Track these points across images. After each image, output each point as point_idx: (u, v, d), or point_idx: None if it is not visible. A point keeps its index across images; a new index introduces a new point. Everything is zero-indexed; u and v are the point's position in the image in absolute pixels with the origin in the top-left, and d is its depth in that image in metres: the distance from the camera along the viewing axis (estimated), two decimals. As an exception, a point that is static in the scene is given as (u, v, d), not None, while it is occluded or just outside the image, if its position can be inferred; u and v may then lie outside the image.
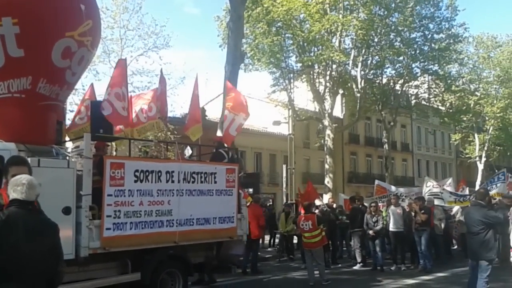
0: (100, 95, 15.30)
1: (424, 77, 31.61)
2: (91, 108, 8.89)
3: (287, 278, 11.55)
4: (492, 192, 13.10)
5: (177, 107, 46.10)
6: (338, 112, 34.35)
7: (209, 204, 8.50)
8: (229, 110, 9.89)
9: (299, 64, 26.73)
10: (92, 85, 10.59)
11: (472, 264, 7.73)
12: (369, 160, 42.89)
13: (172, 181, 8.05)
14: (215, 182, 8.62)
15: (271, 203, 29.06)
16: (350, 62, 26.19)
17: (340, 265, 13.26)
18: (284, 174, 24.87)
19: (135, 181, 7.57)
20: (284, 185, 24.65)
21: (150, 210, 7.71)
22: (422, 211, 12.41)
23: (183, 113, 22.73)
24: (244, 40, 22.67)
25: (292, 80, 27.43)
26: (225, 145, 10.35)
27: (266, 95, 30.59)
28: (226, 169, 8.91)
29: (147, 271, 7.66)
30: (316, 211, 12.48)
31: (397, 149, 43.73)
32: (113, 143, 9.35)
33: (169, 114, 19.99)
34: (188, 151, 10.46)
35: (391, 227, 12.79)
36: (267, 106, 34.36)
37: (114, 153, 9.59)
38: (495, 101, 37.07)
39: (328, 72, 26.34)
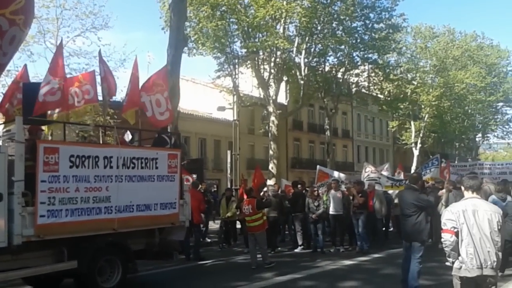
0: (34, 76, 14.60)
1: (364, 66, 32.52)
2: (23, 91, 8.46)
3: (230, 263, 11.62)
4: (426, 177, 13.82)
5: (117, 90, 44.43)
6: (282, 98, 34.70)
7: (150, 190, 8.35)
8: (145, 93, 9.45)
9: (244, 50, 26.67)
10: (25, 66, 10.02)
11: (406, 245, 8.11)
12: (312, 146, 43.80)
13: (111, 167, 7.82)
14: (157, 168, 8.47)
15: (215, 189, 29.11)
16: (294, 49, 26.45)
17: (279, 248, 13.47)
18: (229, 160, 24.94)
19: (71, 167, 7.30)
20: (229, 171, 24.70)
21: (87, 197, 7.48)
22: (360, 195, 12.88)
23: (123, 96, 22.04)
24: (187, 23, 22.31)
25: (237, 66, 27.32)
26: (168, 130, 10.18)
27: (211, 80, 30.38)
28: (168, 154, 8.76)
29: (84, 259, 7.47)
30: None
31: (338, 135, 44.94)
32: (47, 128, 8.90)
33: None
34: (128, 136, 10.16)
35: (331, 211, 13.18)
36: (212, 91, 34.16)
37: (50, 138, 9.13)
38: (430, 90, 38.84)
39: (273, 59, 26.47)
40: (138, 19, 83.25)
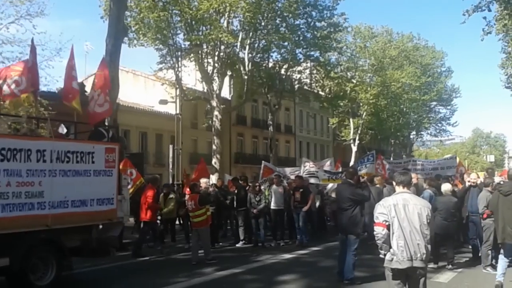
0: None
1: (307, 63, 33.11)
2: None
3: (170, 259, 11.47)
4: (362, 172, 14.30)
5: (52, 81, 42.58)
6: (226, 93, 34.64)
7: (86, 185, 8.07)
8: (94, 88, 9.27)
9: (187, 43, 26.30)
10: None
11: (342, 238, 8.39)
12: (255, 141, 44.11)
13: (44, 161, 7.48)
14: (93, 162, 8.19)
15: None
16: (238, 44, 26.42)
17: (221, 243, 13.48)
18: (171, 155, 24.56)
19: (1, 160, 6.93)
20: (171, 166, 24.34)
21: (18, 192, 7.12)
22: (301, 190, 13.14)
23: (58, 87, 21.15)
24: (128, 13, 21.68)
25: (179, 59, 26.87)
26: (106, 123, 9.88)
27: (153, 72, 29.75)
28: (105, 148, 8.49)
29: (16, 257, 7.13)
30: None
31: (281, 131, 45.55)
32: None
33: (43, 88, 18.54)
34: (62, 129, 9.73)
35: (273, 205, 13.38)
36: (154, 84, 33.52)
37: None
38: (368, 89, 40.15)
39: (217, 53, 26.32)
40: (76, 6, 79.98)
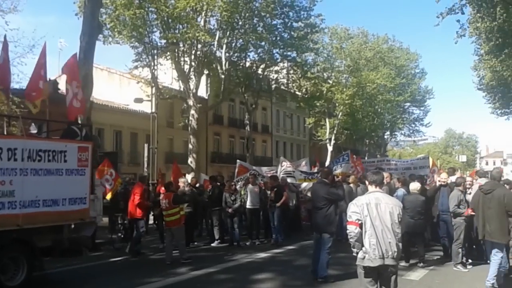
0: None
1: (284, 63, 33.23)
2: None
3: (144, 259, 11.37)
4: (337, 172, 14.47)
5: (25, 78, 41.58)
6: (203, 92, 34.50)
7: (58, 185, 7.94)
8: (67, 82, 9.16)
9: (164, 41, 26.05)
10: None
11: (316, 237, 8.47)
12: (232, 140, 44.06)
13: (15, 159, 7.34)
14: (65, 161, 8.06)
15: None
16: (215, 43, 26.33)
17: (196, 243, 13.44)
18: (146, 154, 24.29)
19: (-29, 159, 6.76)
20: (146, 165, 24.08)
21: (-12, 191, 6.96)
22: (275, 189, 13.22)
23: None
24: (103, 10, 21.34)
25: (156, 57, 26.61)
26: (79, 121, 9.73)
27: (128, 70, 29.36)
28: (78, 147, 8.37)
29: (-14, 257, 6.96)
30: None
31: (258, 130, 45.62)
32: None
33: (15, 86, 18.12)
34: (34, 128, 9.54)
35: (248, 205, 13.41)
36: (129, 82, 33.13)
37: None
38: (344, 89, 40.49)
39: (193, 51, 26.15)
40: (50, 2, 78.36)
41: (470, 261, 9.91)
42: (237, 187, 14.68)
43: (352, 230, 5.03)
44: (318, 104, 39.10)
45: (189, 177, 22.68)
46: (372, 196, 5.18)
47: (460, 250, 9.37)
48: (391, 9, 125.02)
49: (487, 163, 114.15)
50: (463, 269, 9.38)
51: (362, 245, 5.02)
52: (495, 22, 23.68)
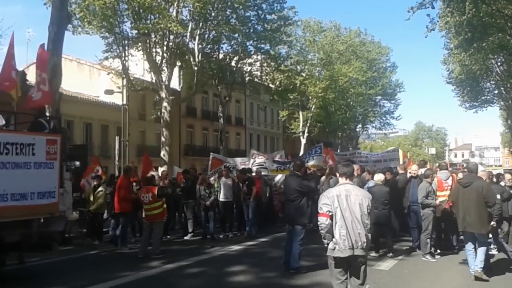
0: None
1: (257, 56, 33.17)
2: None
3: (116, 253, 11.23)
4: (309, 164, 14.60)
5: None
6: (175, 84, 34.16)
7: (26, 178, 7.72)
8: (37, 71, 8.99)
9: (135, 31, 25.59)
10: None
11: (289, 229, 8.55)
12: (205, 133, 43.85)
13: (-19, 153, 7.10)
14: (34, 154, 7.85)
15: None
16: (188, 34, 26.04)
17: (169, 236, 13.36)
18: (117, 147, 23.93)
19: None
20: (117, 158, 23.74)
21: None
22: (247, 182, 13.25)
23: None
24: (72, 0, 20.84)
25: (126, 48, 26.13)
26: (47, 114, 9.50)
27: (98, 61, 28.78)
28: (46, 140, 8.15)
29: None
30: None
31: (231, 123, 45.55)
32: None
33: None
34: (1, 120, 9.24)
35: (221, 197, 13.41)
36: (99, 73, 32.51)
37: None
38: (317, 82, 40.79)
39: (166, 43, 25.80)
40: (17, -10, 75.81)
41: (438, 251, 10.19)
42: (211, 179, 14.69)
43: (322, 221, 5.10)
44: (291, 97, 39.26)
45: (161, 170, 22.55)
46: (342, 188, 5.26)
47: (428, 240, 9.62)
48: (363, 2, 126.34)
49: (455, 156, 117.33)
50: (432, 259, 9.63)
51: (333, 236, 5.09)
52: (465, 16, 24.21)
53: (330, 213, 5.09)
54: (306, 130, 43.09)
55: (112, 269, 8.98)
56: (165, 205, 10.77)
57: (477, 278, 7.77)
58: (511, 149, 59.82)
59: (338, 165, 5.97)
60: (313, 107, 42.73)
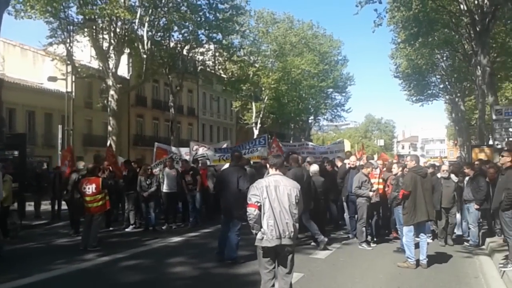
0: None
1: (209, 45, 32.82)
2: None
3: (52, 245, 10.86)
4: (254, 155, 14.62)
5: None
6: (124, 72, 33.30)
7: None
8: None
9: (81, 16, 24.64)
10: None
11: (224, 220, 8.55)
12: (156, 123, 43.10)
13: None
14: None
15: (45, 166, 26.78)
16: (137, 21, 25.32)
17: (111, 228, 13.05)
18: (60, 136, 23.05)
19: None
20: (60, 147, 22.86)
21: None
22: (191, 172, 13.10)
23: None
24: (12, -18, 19.78)
25: (72, 33, 25.13)
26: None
27: (42, 47, 27.55)
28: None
29: None
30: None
31: (183, 113, 45.02)
32: None
33: None
34: None
35: (165, 188, 13.20)
36: (43, 59, 31.19)
37: None
38: (270, 74, 41.00)
39: (113, 29, 25.01)
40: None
41: (375, 239, 10.48)
42: (157, 170, 14.43)
43: (251, 212, 5.08)
44: (244, 87, 39.15)
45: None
46: (272, 178, 5.26)
47: (364, 229, 9.86)
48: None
49: (403, 147, 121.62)
50: (368, 247, 9.88)
51: (261, 227, 5.08)
52: (411, 12, 24.91)
53: (259, 204, 5.08)
54: (259, 121, 43.26)
55: (44, 262, 8.64)
56: (107, 197, 10.45)
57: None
58: (455, 142, 62.44)
59: (268, 156, 5.98)
60: (266, 98, 42.90)
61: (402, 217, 8.53)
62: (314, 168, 10.36)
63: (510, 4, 13.43)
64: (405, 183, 8.31)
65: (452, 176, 10.87)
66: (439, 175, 10.89)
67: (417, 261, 8.28)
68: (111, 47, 25.18)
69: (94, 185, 10.11)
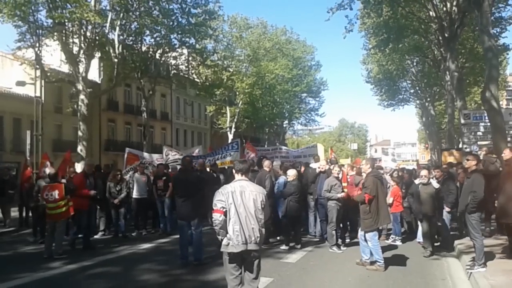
0: None
1: (182, 49, 32.62)
2: None
3: (16, 253, 10.54)
4: (226, 160, 14.57)
5: None
6: (95, 76, 32.79)
7: None
8: None
9: (50, 20, 24.15)
10: None
11: (182, 224, 8.57)
12: (128, 127, 42.52)
13: None
14: None
15: (14, 173, 26.08)
16: (108, 25, 24.98)
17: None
18: (29, 141, 22.48)
19: None
20: (28, 153, 22.30)
21: None
22: (164, 177, 12.94)
23: None
24: (-22, -15, 19.26)
25: (41, 37, 24.60)
26: None
27: (11, 51, 26.86)
28: None
29: None
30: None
31: (157, 117, 44.59)
32: None
33: None
34: None
35: (135, 194, 13.00)
36: (12, 63, 30.46)
37: None
38: (244, 78, 40.97)
39: (83, 33, 24.59)
40: None
41: (346, 242, 10.56)
42: (127, 176, 14.21)
43: (217, 218, 5.03)
44: (218, 92, 39.04)
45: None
46: (237, 184, 5.22)
47: (334, 232, 9.91)
48: (289, 1, 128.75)
49: (376, 151, 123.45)
50: (338, 250, 9.94)
51: (227, 232, 5.04)
52: (382, 18, 25.34)
53: (224, 209, 5.04)
54: (234, 126, 43.18)
55: (8, 270, 8.38)
56: (70, 203, 10.20)
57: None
58: (426, 145, 63.68)
59: (234, 162, 5.95)
60: (240, 102, 42.88)
61: (364, 222, 8.35)
62: (292, 172, 10.38)
63: (477, 12, 13.75)
64: (369, 187, 8.24)
65: (432, 181, 10.14)
66: (417, 181, 10.48)
67: (372, 262, 8.41)
68: (81, 51, 24.73)
69: (56, 191, 9.86)
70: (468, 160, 8.29)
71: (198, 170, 11.96)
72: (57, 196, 9.85)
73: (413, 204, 10.50)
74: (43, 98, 25.24)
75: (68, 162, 14.59)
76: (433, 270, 8.55)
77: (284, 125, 58.44)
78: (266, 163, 10.37)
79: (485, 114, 14.54)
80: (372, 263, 8.37)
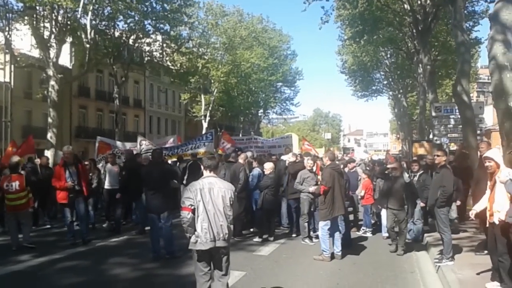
0: None
1: (157, 36, 32.08)
2: None
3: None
4: (200, 150, 14.46)
5: None
6: (66, 61, 31.98)
7: None
8: None
9: (21, 4, 23.36)
10: None
11: (153, 217, 8.52)
12: (100, 114, 41.72)
13: None
14: None
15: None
16: (80, 9, 24.32)
17: (49, 226, 12.54)
18: (-2, 128, 21.88)
19: None
20: (-3, 140, 21.72)
21: None
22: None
23: None
24: None
25: (11, 21, 23.81)
26: None
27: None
28: None
29: None
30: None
31: (130, 105, 43.90)
32: None
33: None
34: None
35: (106, 185, 12.79)
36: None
37: None
38: (220, 66, 40.62)
39: (54, 17, 23.91)
40: None
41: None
42: (99, 166, 13.99)
43: (185, 215, 5.01)
44: (193, 80, 38.64)
45: (49, 153, 21.10)
46: (206, 181, 5.18)
47: (306, 224, 10.01)
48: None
49: (349, 140, 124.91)
50: (310, 242, 10.04)
51: (195, 230, 5.01)
52: (357, 10, 25.45)
53: (193, 207, 5.02)
54: (208, 114, 42.88)
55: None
56: (30, 194, 9.93)
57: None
58: (398, 136, 64.78)
59: (202, 158, 5.90)
60: (215, 91, 42.59)
61: (320, 213, 8.74)
62: (269, 165, 10.41)
63: (451, 7, 13.96)
64: (325, 179, 8.61)
65: (405, 174, 9.97)
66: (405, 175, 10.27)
67: (333, 253, 8.69)
68: (52, 36, 24.11)
69: (17, 182, 9.62)
70: (438, 156, 8.45)
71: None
72: (17, 187, 9.60)
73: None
74: (12, 84, 24.58)
75: (30, 147, 14.18)
76: (402, 262, 8.73)
77: (259, 114, 58.46)
78: (242, 155, 10.35)
79: (456, 107, 14.82)
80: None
